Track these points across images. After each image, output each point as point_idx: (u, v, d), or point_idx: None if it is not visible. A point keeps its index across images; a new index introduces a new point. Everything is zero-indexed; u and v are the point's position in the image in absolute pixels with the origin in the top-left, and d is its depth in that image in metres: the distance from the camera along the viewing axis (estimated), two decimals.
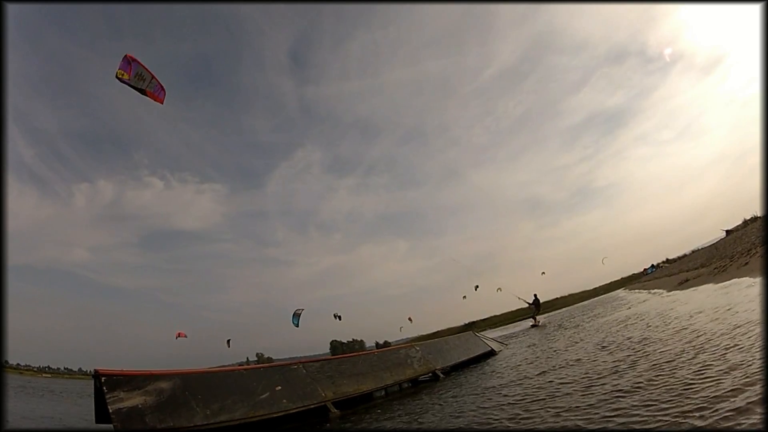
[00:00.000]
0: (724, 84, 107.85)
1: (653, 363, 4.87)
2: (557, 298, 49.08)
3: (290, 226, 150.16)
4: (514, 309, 38.70)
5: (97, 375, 4.68)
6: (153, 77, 6.86)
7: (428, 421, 4.90)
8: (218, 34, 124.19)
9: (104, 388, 4.52)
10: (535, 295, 21.65)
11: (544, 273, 41.52)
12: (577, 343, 9.36)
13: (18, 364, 57.78)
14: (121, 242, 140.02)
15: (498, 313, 48.05)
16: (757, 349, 3.96)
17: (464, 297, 40.50)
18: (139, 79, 6.76)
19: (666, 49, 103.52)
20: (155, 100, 7.06)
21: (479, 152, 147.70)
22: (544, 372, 6.42)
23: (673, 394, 3.42)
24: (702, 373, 3.78)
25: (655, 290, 21.63)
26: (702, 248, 38.03)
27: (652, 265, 47.89)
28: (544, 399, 4.54)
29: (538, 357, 8.81)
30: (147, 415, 4.59)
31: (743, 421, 2.51)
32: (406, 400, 6.92)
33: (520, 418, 3.98)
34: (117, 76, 6.51)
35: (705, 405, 2.95)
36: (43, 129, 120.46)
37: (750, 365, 3.57)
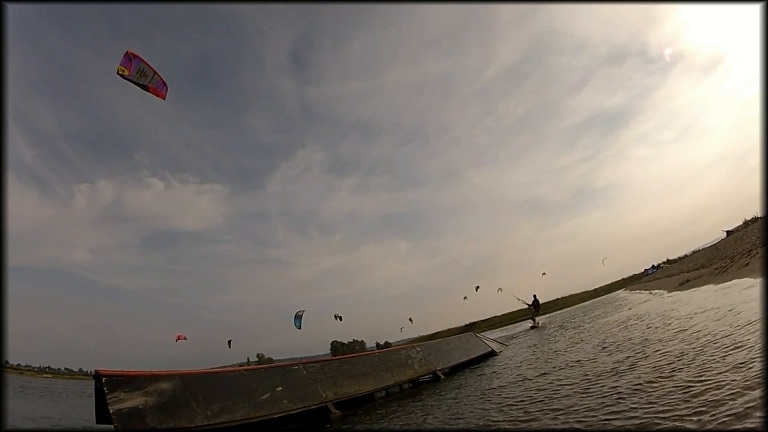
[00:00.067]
0: (725, 84, 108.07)
1: (653, 365, 4.87)
2: (558, 299, 49.07)
3: (291, 227, 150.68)
4: (514, 310, 38.65)
5: (97, 376, 4.68)
6: (155, 73, 6.88)
7: (428, 422, 4.90)
8: (218, 35, 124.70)
9: (105, 388, 4.52)
10: (535, 296, 21.52)
11: (544, 274, 41.69)
12: (577, 344, 9.35)
13: (18, 365, 57.86)
14: (122, 243, 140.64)
15: (499, 314, 48.01)
16: (758, 351, 3.96)
17: (465, 297, 40.67)
18: (141, 75, 6.78)
19: (666, 49, 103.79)
20: (157, 96, 7.08)
21: (480, 153, 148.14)
22: (544, 373, 6.41)
23: (672, 397, 3.42)
24: (702, 376, 3.78)
25: (656, 291, 21.60)
26: (702, 249, 37.98)
27: (653, 266, 47.85)
28: (544, 401, 4.54)
29: (538, 358, 8.81)
30: (148, 415, 4.59)
31: (742, 425, 2.51)
32: (406, 400, 6.92)
33: (519, 420, 3.98)
34: (118, 72, 6.53)
35: (704, 409, 2.95)
36: (43, 129, 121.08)
37: (750, 367, 3.56)
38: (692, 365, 4.28)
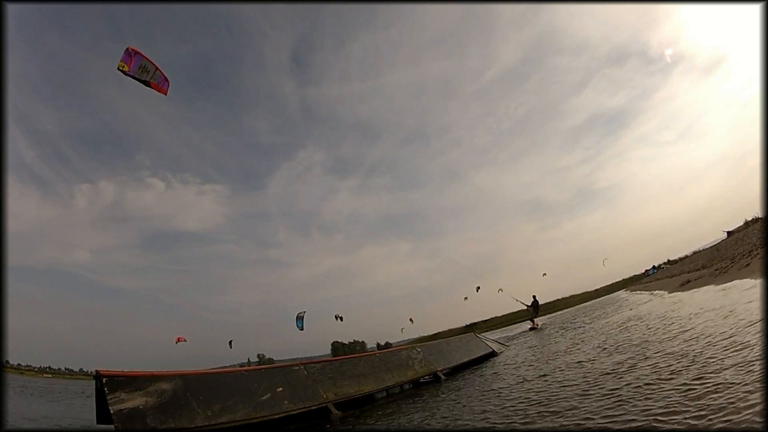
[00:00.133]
0: (725, 85, 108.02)
1: (653, 366, 4.87)
2: (558, 299, 49.03)
3: (291, 228, 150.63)
4: (515, 310, 38.57)
5: (98, 376, 4.69)
6: (157, 69, 6.90)
7: (429, 423, 4.90)
8: (219, 35, 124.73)
9: (105, 389, 4.53)
10: (534, 297, 21.32)
11: (545, 274, 41.74)
12: (577, 345, 9.34)
13: (19, 365, 57.90)
14: (123, 243, 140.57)
15: (499, 315, 47.97)
16: (758, 352, 3.95)
17: (465, 298, 40.60)
18: (143, 71, 6.80)
19: (667, 50, 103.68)
20: (159, 91, 7.12)
21: (480, 153, 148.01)
22: (544, 375, 6.41)
23: (671, 399, 3.42)
24: (702, 377, 3.78)
25: (657, 291, 21.59)
26: (703, 249, 37.97)
27: (654, 266, 47.85)
28: (543, 402, 4.54)
29: (538, 359, 8.80)
30: (148, 416, 4.60)
31: (742, 426, 2.51)
32: (407, 401, 6.92)
33: (519, 422, 3.98)
34: (118, 68, 6.55)
35: (703, 411, 2.95)
36: (43, 130, 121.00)
37: (750, 368, 3.56)
38: (692, 367, 4.27)
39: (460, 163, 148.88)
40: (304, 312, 19.17)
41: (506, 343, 14.80)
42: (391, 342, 58.63)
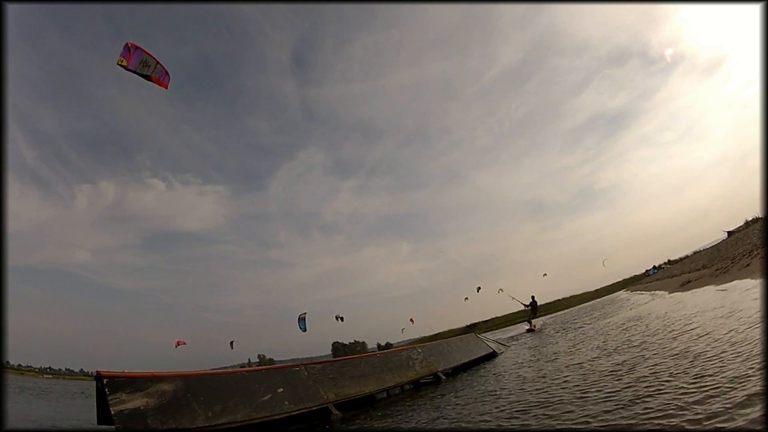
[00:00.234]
0: (726, 85, 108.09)
1: (653, 367, 4.87)
2: (559, 300, 48.97)
3: (292, 228, 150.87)
4: (515, 311, 38.57)
5: (99, 377, 4.69)
6: (157, 63, 6.93)
7: (429, 424, 4.90)
8: (220, 36, 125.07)
9: (106, 389, 4.53)
10: (533, 297, 21.19)
11: (545, 275, 41.69)
12: (577, 345, 9.35)
13: (19, 365, 57.95)
14: (123, 244, 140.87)
15: (500, 315, 47.93)
16: (757, 353, 3.96)
17: (466, 299, 40.62)
18: (144, 65, 6.83)
19: (667, 50, 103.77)
20: (160, 85, 7.17)
21: (481, 154, 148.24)
22: (543, 375, 6.42)
23: (671, 399, 3.42)
24: (701, 378, 3.78)
25: (657, 291, 21.59)
26: (703, 249, 37.99)
27: (654, 267, 47.84)
28: (543, 403, 4.54)
29: (538, 360, 8.80)
30: (149, 416, 4.60)
31: (742, 426, 2.51)
32: (407, 402, 6.92)
33: (518, 423, 3.98)
34: (118, 63, 6.57)
35: (703, 412, 2.95)
36: (44, 130, 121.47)
37: (750, 368, 3.56)
38: (692, 368, 4.28)
39: (460, 163, 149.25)
40: (305, 313, 19.19)
41: (506, 344, 14.78)
42: (391, 342, 58.76)
